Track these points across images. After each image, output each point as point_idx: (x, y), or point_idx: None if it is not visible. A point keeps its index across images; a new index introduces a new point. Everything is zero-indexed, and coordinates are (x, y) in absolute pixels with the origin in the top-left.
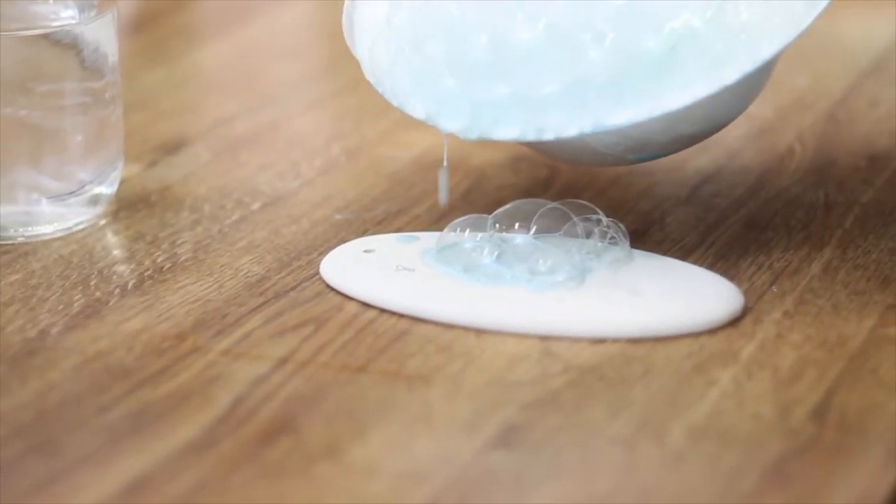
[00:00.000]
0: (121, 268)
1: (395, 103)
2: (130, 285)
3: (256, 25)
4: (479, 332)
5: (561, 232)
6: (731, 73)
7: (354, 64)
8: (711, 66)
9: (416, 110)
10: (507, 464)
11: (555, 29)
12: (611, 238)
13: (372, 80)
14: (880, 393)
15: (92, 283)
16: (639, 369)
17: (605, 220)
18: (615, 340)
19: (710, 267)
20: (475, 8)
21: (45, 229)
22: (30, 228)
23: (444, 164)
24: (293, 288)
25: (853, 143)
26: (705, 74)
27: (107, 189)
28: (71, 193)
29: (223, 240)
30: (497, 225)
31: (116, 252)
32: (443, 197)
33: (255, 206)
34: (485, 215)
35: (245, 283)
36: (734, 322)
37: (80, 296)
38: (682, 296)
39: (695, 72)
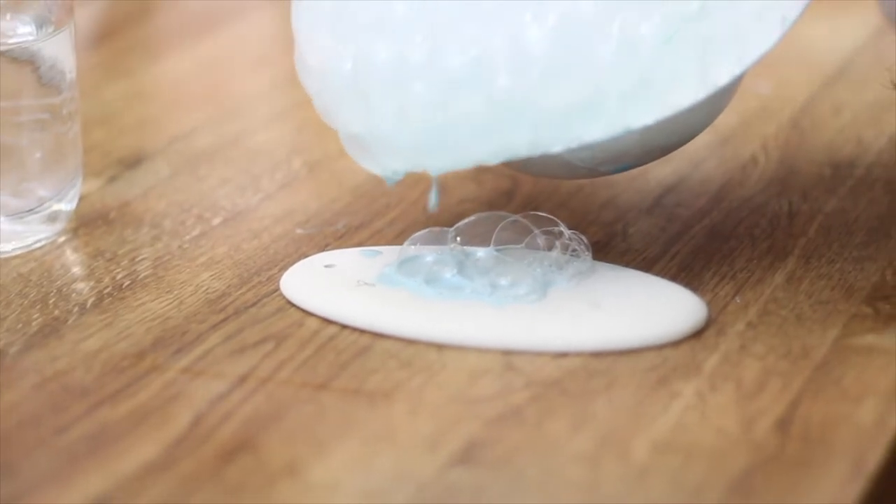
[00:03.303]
0: (80, 285)
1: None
2: (90, 303)
3: (217, 38)
4: (441, 346)
5: (522, 245)
6: (721, 75)
7: None
8: (702, 68)
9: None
10: (468, 481)
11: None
12: (573, 251)
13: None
14: (845, 404)
15: (51, 302)
16: (601, 383)
17: (566, 232)
18: (577, 354)
19: (674, 278)
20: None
21: (4, 247)
22: None
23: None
24: (253, 304)
25: (817, 151)
26: (696, 77)
27: (66, 206)
28: (29, 211)
29: (183, 256)
30: (458, 238)
31: (76, 270)
32: (432, 203)
33: (216, 221)
34: (446, 228)
35: (205, 300)
36: (697, 334)
37: (38, 314)
38: (644, 308)
39: (685, 75)
